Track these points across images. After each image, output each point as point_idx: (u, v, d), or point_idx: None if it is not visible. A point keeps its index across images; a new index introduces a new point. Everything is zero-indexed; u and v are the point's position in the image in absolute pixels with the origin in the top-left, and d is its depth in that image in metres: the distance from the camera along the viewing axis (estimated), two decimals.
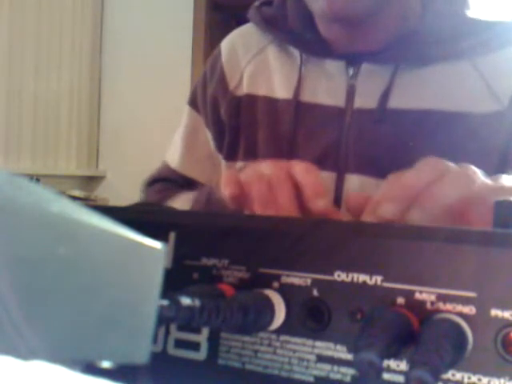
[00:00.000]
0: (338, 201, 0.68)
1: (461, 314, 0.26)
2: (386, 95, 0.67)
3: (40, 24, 2.94)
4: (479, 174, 0.44)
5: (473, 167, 0.45)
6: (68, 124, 3.10)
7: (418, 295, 0.27)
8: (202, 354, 0.32)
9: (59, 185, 2.91)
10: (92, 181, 3.28)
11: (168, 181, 0.82)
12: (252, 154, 0.74)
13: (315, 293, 0.29)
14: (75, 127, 3.14)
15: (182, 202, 0.73)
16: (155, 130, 3.04)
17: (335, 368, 0.28)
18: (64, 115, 3.08)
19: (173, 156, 0.83)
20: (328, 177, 0.68)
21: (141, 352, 0.21)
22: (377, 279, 0.28)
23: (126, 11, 3.21)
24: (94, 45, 3.22)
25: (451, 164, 0.45)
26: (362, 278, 0.28)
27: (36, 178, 2.38)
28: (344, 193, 0.68)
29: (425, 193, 0.41)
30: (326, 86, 0.70)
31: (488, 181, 0.44)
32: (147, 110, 3.10)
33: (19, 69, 2.85)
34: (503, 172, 0.66)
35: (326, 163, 0.68)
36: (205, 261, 0.32)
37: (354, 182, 0.67)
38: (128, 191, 2.94)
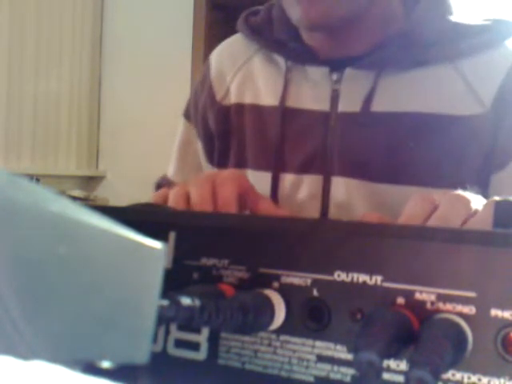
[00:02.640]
0: (325, 202, 0.69)
1: (461, 314, 0.26)
2: (369, 99, 0.68)
3: (40, 24, 2.94)
4: (467, 195, 0.44)
5: (457, 191, 0.45)
6: (68, 124, 3.10)
7: (418, 295, 0.27)
8: (202, 354, 0.32)
9: (59, 185, 2.91)
10: (92, 181, 3.28)
11: None
12: (242, 161, 0.75)
13: (315, 293, 0.29)
14: (75, 127, 3.14)
15: None
16: (155, 130, 3.04)
17: (335, 368, 0.28)
18: (64, 115, 3.08)
19: (170, 168, 0.85)
20: (315, 180, 0.70)
21: (141, 352, 0.21)
22: (377, 279, 0.28)
23: (126, 11, 3.21)
24: (93, 45, 3.22)
25: (438, 193, 0.45)
26: (362, 278, 0.28)
27: (36, 178, 2.38)
28: (331, 195, 0.69)
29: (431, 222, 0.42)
30: (311, 91, 0.71)
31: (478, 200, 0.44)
32: (147, 110, 3.10)
33: (19, 69, 2.85)
34: (487, 174, 0.67)
35: (312, 166, 0.70)
36: (205, 261, 0.32)
37: (341, 185, 0.68)
38: (128, 191, 2.94)
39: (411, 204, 0.44)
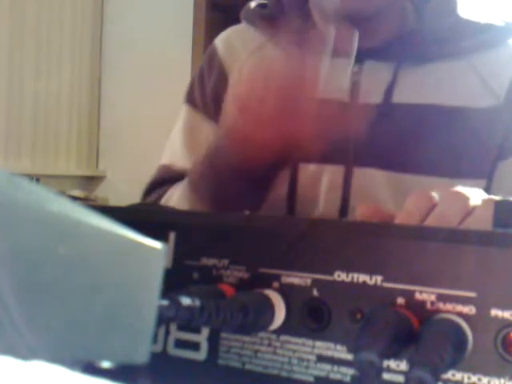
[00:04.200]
0: (346, 193, 0.70)
1: (461, 314, 0.26)
2: (390, 90, 0.70)
3: (40, 24, 2.93)
4: (466, 191, 0.44)
5: (455, 187, 0.44)
6: (68, 124, 3.10)
7: (417, 295, 0.27)
8: (202, 354, 0.32)
9: (59, 185, 2.90)
10: (92, 181, 3.28)
11: (170, 182, 0.82)
12: None
13: (315, 293, 0.29)
14: (75, 127, 3.14)
15: (181, 184, 0.72)
16: (155, 130, 3.03)
17: (335, 368, 0.28)
18: (64, 115, 3.07)
19: (174, 157, 0.83)
20: (336, 170, 0.70)
21: (141, 352, 0.21)
22: (377, 279, 0.28)
23: (126, 11, 3.20)
24: (93, 45, 3.21)
25: (437, 190, 0.45)
26: (362, 277, 0.28)
27: (36, 178, 2.37)
28: (352, 185, 0.70)
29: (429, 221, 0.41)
30: (330, 82, 0.72)
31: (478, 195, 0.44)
32: (147, 110, 3.10)
33: (19, 69, 2.85)
34: (498, 165, 0.69)
35: (333, 157, 0.70)
36: (205, 261, 0.32)
37: (362, 175, 0.69)
38: (128, 191, 2.94)
39: (409, 201, 0.44)
